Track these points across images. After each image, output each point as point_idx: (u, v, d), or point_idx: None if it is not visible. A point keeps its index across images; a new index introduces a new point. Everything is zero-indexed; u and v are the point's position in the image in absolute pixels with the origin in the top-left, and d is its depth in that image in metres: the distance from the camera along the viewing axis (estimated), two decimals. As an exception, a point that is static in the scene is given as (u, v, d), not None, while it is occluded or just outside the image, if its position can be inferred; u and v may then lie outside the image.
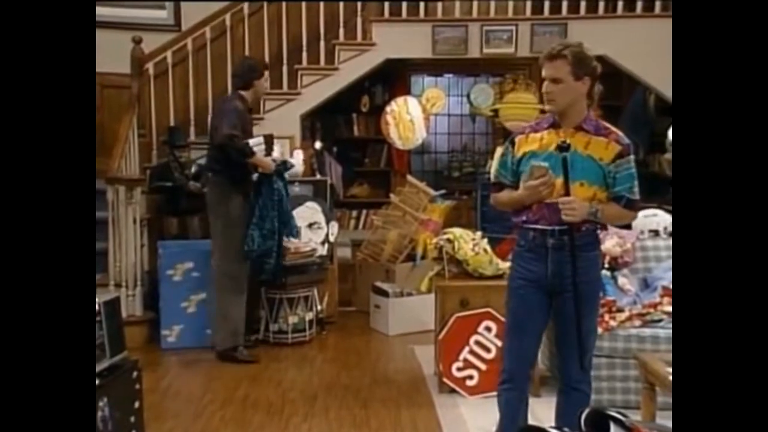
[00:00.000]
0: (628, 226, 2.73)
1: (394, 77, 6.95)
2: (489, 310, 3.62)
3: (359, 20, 5.61)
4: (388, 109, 5.60)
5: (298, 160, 4.96)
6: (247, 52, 5.46)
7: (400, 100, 5.68)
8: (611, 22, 5.60)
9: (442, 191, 5.62)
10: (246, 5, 5.48)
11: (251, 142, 4.17)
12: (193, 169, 5.16)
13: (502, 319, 3.04)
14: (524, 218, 2.56)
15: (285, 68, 5.55)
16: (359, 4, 5.61)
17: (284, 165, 4.35)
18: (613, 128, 2.57)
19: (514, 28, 5.53)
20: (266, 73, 4.34)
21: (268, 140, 4.35)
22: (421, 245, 5.08)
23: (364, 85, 6.72)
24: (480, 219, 5.39)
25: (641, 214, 3.97)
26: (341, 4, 5.59)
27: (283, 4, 5.56)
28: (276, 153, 4.46)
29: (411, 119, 5.57)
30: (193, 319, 4.55)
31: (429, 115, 5.84)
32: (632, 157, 2.52)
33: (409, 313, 4.89)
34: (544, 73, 2.50)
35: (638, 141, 6.07)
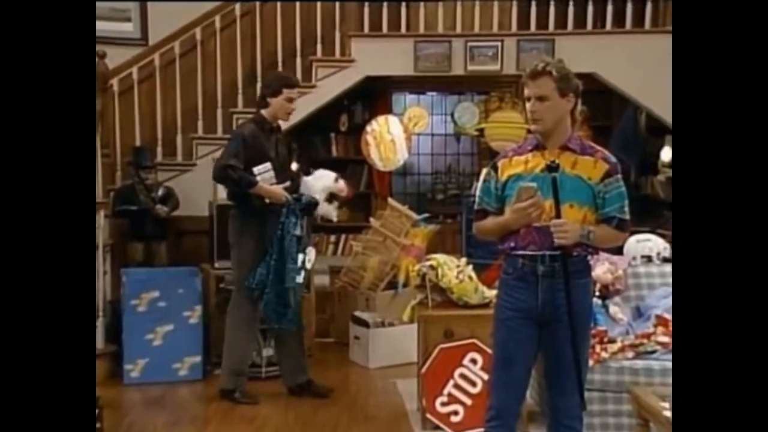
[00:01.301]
0: (620, 251, 2.76)
1: (374, 95, 6.98)
2: (474, 341, 3.62)
3: (337, 35, 5.66)
4: (368, 128, 5.61)
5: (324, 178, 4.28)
6: (218, 69, 5.49)
7: (380, 119, 5.71)
8: (600, 38, 5.70)
9: (426, 215, 5.61)
10: (218, 18, 5.51)
11: (256, 169, 3.96)
12: (160, 192, 5.14)
13: (489, 350, 3.04)
14: (512, 244, 2.57)
15: (259, 86, 5.55)
16: (338, 19, 5.66)
17: (302, 200, 4.05)
18: (599, 147, 2.61)
19: (499, 44, 5.61)
20: (286, 91, 4.05)
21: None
22: (403, 272, 5.05)
23: (343, 103, 6.75)
24: (465, 244, 5.40)
25: (633, 239, 4.01)
26: (319, 19, 5.63)
27: (257, 18, 5.59)
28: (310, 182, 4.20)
29: (392, 139, 5.58)
30: (158, 352, 4.49)
31: (411, 134, 5.86)
32: (620, 176, 2.56)
33: (391, 345, 4.87)
34: (527, 92, 2.54)
35: (629, 162, 6.15)
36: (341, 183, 4.26)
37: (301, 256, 4.06)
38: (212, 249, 4.97)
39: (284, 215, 3.96)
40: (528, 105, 2.55)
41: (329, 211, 4.30)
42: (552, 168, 2.43)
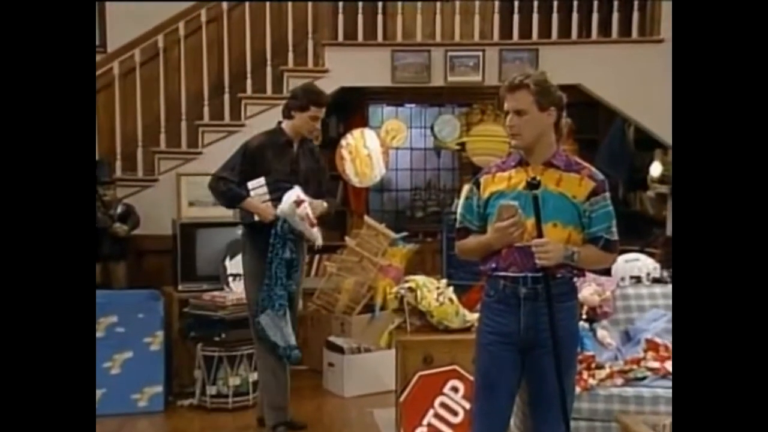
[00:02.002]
0: (607, 272, 2.78)
1: (349, 107, 7.00)
2: (455, 367, 3.62)
3: (310, 44, 5.68)
4: (343, 142, 5.64)
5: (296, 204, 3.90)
6: (182, 78, 5.47)
7: (356, 132, 5.73)
8: (585, 47, 5.79)
9: (404, 233, 5.64)
10: (182, 25, 5.49)
11: (250, 184, 3.92)
12: (119, 210, 5.09)
13: (471, 377, 3.04)
14: (493, 265, 2.59)
15: (227, 97, 5.56)
16: (310, 26, 5.68)
17: (287, 225, 3.88)
18: (585, 163, 2.64)
19: (480, 53, 5.67)
20: (313, 109, 3.96)
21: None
22: (381, 295, 5.06)
23: (317, 115, 6.76)
24: (446, 264, 5.42)
25: (621, 258, 4.05)
26: (290, 26, 5.64)
27: (224, 25, 5.59)
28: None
29: (369, 154, 5.61)
30: (116, 381, 4.42)
31: (389, 149, 5.89)
32: (608, 194, 2.59)
33: (367, 372, 4.85)
34: (506, 105, 2.58)
35: (617, 177, 6.24)
36: (304, 209, 3.87)
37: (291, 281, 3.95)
38: (176, 270, 4.94)
39: (272, 236, 3.87)
40: (507, 119, 2.58)
41: (310, 233, 3.99)
42: (532, 185, 2.46)
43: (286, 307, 3.91)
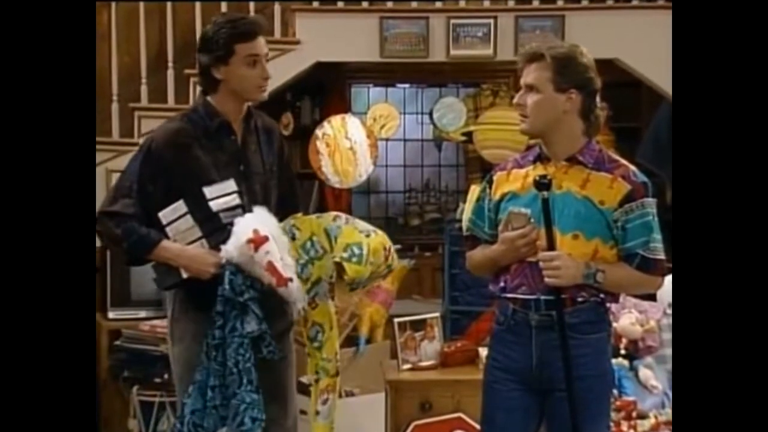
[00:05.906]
0: (652, 297, 2.77)
1: (327, 88, 7.02)
2: (460, 415, 3.65)
3: (277, 8, 5.67)
4: (319, 132, 5.61)
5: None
6: (113, 50, 5.44)
7: (336, 120, 5.71)
8: (624, 15, 5.79)
9: (396, 246, 5.62)
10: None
11: (162, 214, 2.93)
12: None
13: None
14: (502, 284, 2.59)
15: (171, 73, 5.54)
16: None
17: (241, 278, 2.81)
18: (623, 161, 2.63)
19: (492, 21, 5.66)
20: (241, 48, 2.92)
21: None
22: (367, 324, 5.04)
23: (286, 98, 6.75)
24: (449, 285, 5.39)
25: (669, 279, 4.03)
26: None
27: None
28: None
29: (351, 147, 5.58)
30: None
31: (377, 140, 5.87)
32: (650, 200, 2.56)
33: (350, 421, 4.81)
34: (522, 80, 2.58)
35: (664, 177, 6.22)
36: (265, 253, 2.79)
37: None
38: (104, 293, 4.91)
39: (219, 301, 2.81)
40: (516, 96, 2.61)
41: (285, 289, 2.88)
42: (541, 185, 2.45)
43: (260, 423, 2.85)
